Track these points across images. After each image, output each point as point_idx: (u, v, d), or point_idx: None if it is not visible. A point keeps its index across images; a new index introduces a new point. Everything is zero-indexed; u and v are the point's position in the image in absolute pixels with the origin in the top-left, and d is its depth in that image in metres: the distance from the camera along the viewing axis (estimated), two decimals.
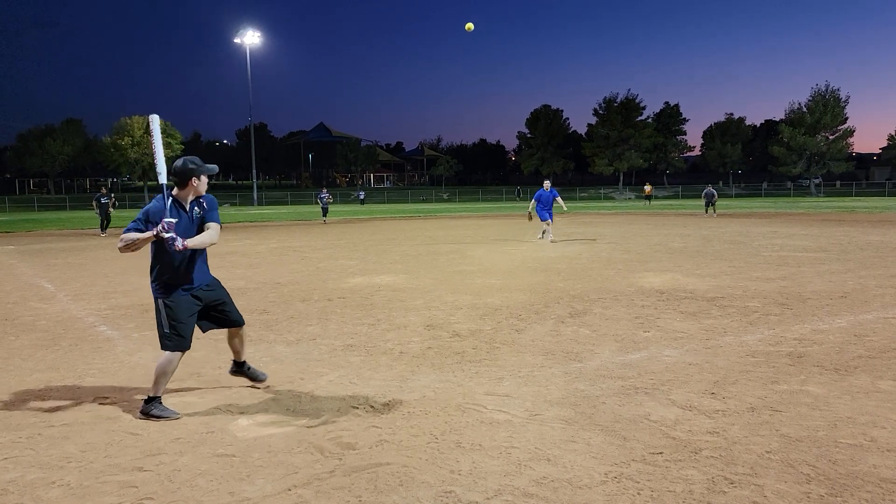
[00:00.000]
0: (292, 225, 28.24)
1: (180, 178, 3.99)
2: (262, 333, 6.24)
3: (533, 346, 5.60)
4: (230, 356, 5.38)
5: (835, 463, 3.14)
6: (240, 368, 4.55)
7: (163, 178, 4.03)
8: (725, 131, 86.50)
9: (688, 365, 4.91)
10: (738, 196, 69.36)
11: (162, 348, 4.05)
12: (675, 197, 69.95)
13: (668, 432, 3.57)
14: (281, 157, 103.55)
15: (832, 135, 70.17)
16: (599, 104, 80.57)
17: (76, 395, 4.43)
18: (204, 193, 4.12)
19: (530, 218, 17.02)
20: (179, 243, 3.78)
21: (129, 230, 3.90)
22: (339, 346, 5.77)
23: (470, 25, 8.66)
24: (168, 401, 4.10)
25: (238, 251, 15.13)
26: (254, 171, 67.55)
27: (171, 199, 4.01)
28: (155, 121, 4.24)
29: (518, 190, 74.85)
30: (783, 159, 71.96)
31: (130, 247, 3.87)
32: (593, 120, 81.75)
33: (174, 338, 4.00)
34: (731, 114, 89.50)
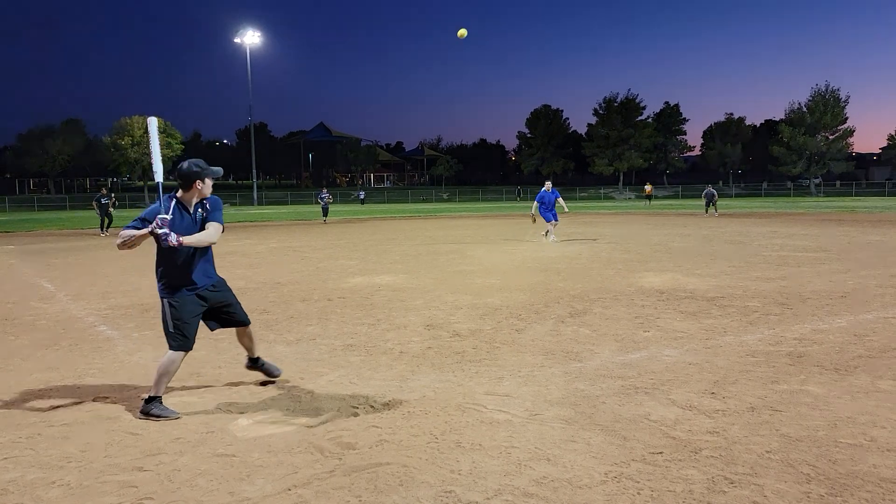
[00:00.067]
0: (292, 225, 28.25)
1: (184, 180, 4.01)
2: (262, 333, 6.24)
3: (533, 345, 5.60)
4: (230, 356, 5.41)
5: (835, 463, 3.14)
6: (255, 364, 4.63)
7: (158, 177, 4.06)
8: (725, 131, 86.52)
9: (688, 365, 4.91)
10: (738, 196, 69.40)
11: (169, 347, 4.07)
12: (675, 197, 69.98)
13: (668, 432, 3.57)
14: (281, 157, 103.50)
15: (832, 135, 70.24)
16: (599, 104, 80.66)
17: (76, 395, 4.43)
18: (209, 196, 4.14)
19: (534, 220, 17.02)
20: (173, 238, 3.79)
21: (127, 228, 3.92)
22: (339, 345, 5.77)
23: (463, 32, 8.19)
24: (168, 401, 4.10)
25: (238, 251, 15.13)
26: (254, 171, 67.59)
27: (174, 200, 4.03)
28: (153, 123, 4.27)
29: (518, 190, 74.87)
30: (783, 159, 72.00)
31: (127, 244, 3.89)
32: (593, 120, 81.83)
33: (178, 337, 4.01)
34: (731, 114, 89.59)
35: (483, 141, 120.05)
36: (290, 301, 8.09)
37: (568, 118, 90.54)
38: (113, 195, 23.66)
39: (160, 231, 3.77)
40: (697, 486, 2.93)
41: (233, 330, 4.54)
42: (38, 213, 46.89)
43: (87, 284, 9.90)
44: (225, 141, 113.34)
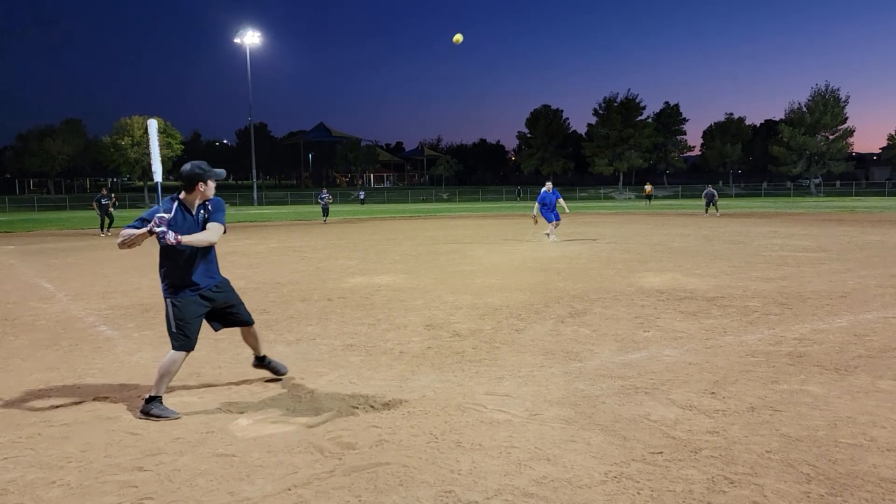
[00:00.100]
0: (292, 225, 28.25)
1: (187, 182, 4.02)
2: (262, 333, 6.19)
3: (533, 345, 5.60)
4: (230, 356, 5.41)
5: (835, 462, 3.14)
6: (261, 362, 4.68)
7: (158, 178, 4.09)
8: (725, 131, 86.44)
9: (688, 365, 4.91)
10: (738, 196, 69.41)
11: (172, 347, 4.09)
12: (675, 197, 69.97)
13: (668, 432, 3.57)
14: (281, 157, 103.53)
15: (832, 135, 70.21)
16: (599, 104, 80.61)
17: (76, 395, 4.43)
18: (212, 197, 4.15)
19: (536, 221, 17.02)
20: (171, 236, 3.80)
21: (128, 227, 3.93)
22: (339, 345, 5.77)
23: (458, 37, 7.97)
24: (168, 401, 4.10)
25: (238, 251, 15.13)
26: (254, 171, 67.57)
27: (176, 201, 4.04)
28: (153, 125, 4.30)
29: (518, 190, 74.86)
30: (783, 159, 71.98)
31: (126, 242, 3.90)
32: (593, 120, 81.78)
33: (180, 337, 4.03)
34: (731, 114, 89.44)
35: (483, 141, 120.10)
36: (290, 301, 8.09)
37: (568, 118, 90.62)
38: (113, 195, 23.67)
39: (158, 229, 3.79)
40: (697, 485, 2.93)
41: (234, 330, 4.57)
42: (38, 213, 46.90)
43: (87, 284, 9.90)
44: (225, 141, 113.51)
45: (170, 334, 4.06)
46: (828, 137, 70.04)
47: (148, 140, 4.19)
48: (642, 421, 3.75)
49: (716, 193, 30.86)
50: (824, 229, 19.16)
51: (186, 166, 4.06)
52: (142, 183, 71.80)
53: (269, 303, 7.96)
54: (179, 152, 67.75)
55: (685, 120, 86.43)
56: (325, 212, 30.13)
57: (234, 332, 4.69)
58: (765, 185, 79.17)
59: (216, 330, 4.41)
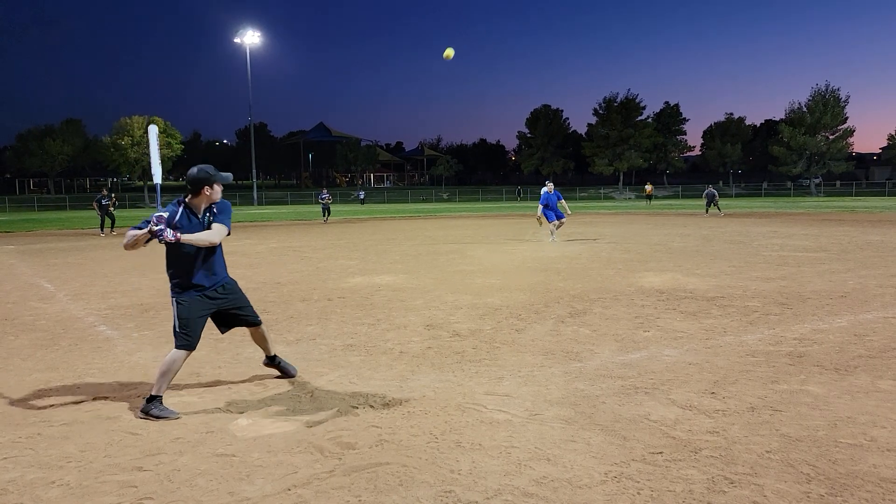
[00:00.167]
0: (292, 225, 28.25)
1: (193, 185, 4.06)
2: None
3: (533, 345, 5.60)
4: (230, 356, 5.41)
5: (835, 462, 3.14)
6: (272, 361, 4.72)
7: (157, 179, 4.12)
8: (725, 131, 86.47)
9: (688, 364, 4.90)
10: (738, 196, 69.39)
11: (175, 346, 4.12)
12: (675, 197, 69.97)
13: (668, 432, 3.57)
14: (281, 157, 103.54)
15: (832, 135, 70.20)
16: (599, 104, 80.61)
17: (76, 395, 4.43)
18: (218, 201, 4.18)
19: (540, 223, 17.01)
20: (169, 234, 3.83)
21: (132, 229, 3.95)
22: (339, 345, 5.77)
23: (449, 52, 7.72)
24: (168, 401, 4.10)
25: (238, 251, 15.13)
26: (254, 170, 67.56)
27: (182, 204, 4.08)
28: (153, 130, 4.33)
29: (518, 190, 74.83)
30: (783, 159, 71.98)
31: (130, 244, 3.92)
32: (593, 120, 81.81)
33: (182, 336, 4.06)
34: (731, 114, 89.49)
35: (483, 141, 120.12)
36: (290, 301, 8.09)
37: (568, 118, 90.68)
38: (113, 195, 23.65)
39: (156, 228, 3.80)
40: (697, 485, 2.93)
41: (234, 330, 4.58)
42: (37, 213, 46.90)
43: (86, 284, 9.90)
44: (225, 141, 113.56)
45: (173, 333, 4.10)
46: (828, 137, 70.04)
47: (148, 142, 4.25)
48: (642, 421, 3.74)
49: (716, 193, 30.88)
50: (824, 229, 19.16)
51: (193, 170, 4.10)
52: (142, 183, 71.79)
53: (269, 303, 7.95)
54: (179, 152, 67.78)
55: (685, 120, 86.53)
56: (327, 211, 30.15)
57: (233, 333, 4.69)
58: (765, 185, 79.16)
59: (223, 332, 4.46)
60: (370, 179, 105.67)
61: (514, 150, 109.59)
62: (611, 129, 78.02)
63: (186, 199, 4.09)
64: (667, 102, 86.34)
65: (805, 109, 70.19)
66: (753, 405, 3.98)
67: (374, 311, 7.31)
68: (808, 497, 2.80)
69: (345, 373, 4.88)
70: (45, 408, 4.18)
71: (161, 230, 3.81)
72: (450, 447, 3.42)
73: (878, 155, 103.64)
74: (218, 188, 4.11)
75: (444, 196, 76.14)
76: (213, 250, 4.15)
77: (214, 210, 4.14)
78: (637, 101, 78.88)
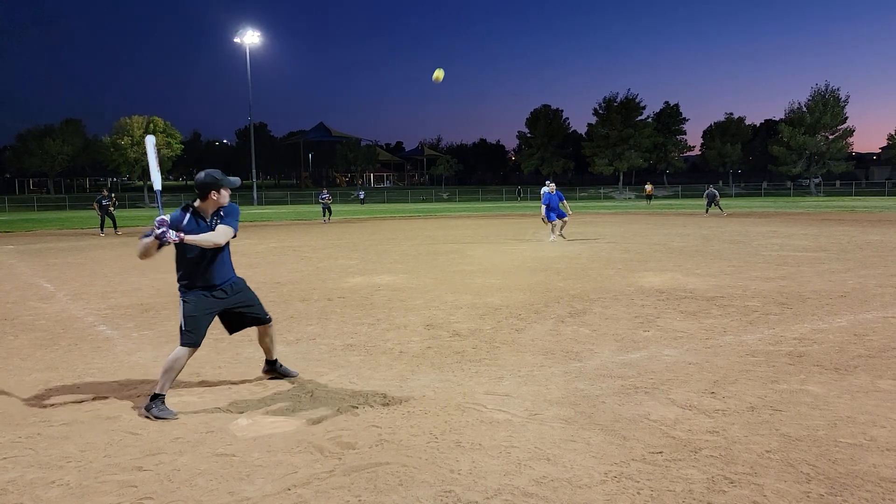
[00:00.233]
0: (292, 225, 28.24)
1: (201, 190, 4.11)
2: None
3: (533, 345, 5.60)
4: (230, 356, 5.41)
5: (835, 462, 3.14)
6: (272, 367, 4.73)
7: (157, 186, 4.17)
8: (725, 131, 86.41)
9: (687, 364, 4.90)
10: (738, 196, 69.37)
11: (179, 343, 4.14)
12: (675, 197, 69.96)
13: (667, 432, 3.57)
14: (281, 156, 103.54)
15: (832, 134, 70.15)
16: (599, 104, 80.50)
17: (75, 395, 4.43)
18: (226, 205, 4.21)
19: (545, 222, 16.99)
20: (171, 235, 3.86)
21: (143, 237, 4.00)
22: (339, 345, 5.77)
23: (438, 74, 7.49)
24: (168, 400, 4.09)
25: (238, 251, 15.12)
26: (254, 170, 67.56)
27: (190, 209, 4.12)
28: (150, 141, 4.36)
29: (518, 190, 74.80)
30: (783, 159, 71.95)
31: (143, 254, 3.98)
32: (593, 120, 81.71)
33: (187, 333, 4.09)
34: (731, 113, 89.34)
35: (483, 141, 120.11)
36: (290, 301, 8.09)
37: (568, 118, 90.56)
38: (113, 195, 23.64)
39: (158, 231, 3.82)
40: (697, 485, 2.93)
41: (229, 332, 4.57)
42: (37, 213, 46.88)
43: (86, 284, 9.90)
44: (225, 141, 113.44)
45: (179, 331, 4.13)
46: (828, 137, 69.98)
47: (147, 149, 4.26)
48: (642, 421, 3.74)
49: (717, 193, 30.87)
50: (824, 229, 19.16)
51: (200, 175, 4.14)
52: (141, 183, 71.78)
53: (268, 302, 7.93)
54: (179, 152, 67.80)
55: (685, 120, 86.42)
56: (328, 211, 30.15)
57: (236, 333, 4.68)
58: (765, 184, 79.14)
59: (231, 332, 4.49)
60: (370, 179, 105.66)
61: (514, 150, 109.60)
62: (611, 129, 77.97)
63: (195, 204, 4.14)
64: (667, 102, 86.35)
65: (805, 109, 70.14)
66: (753, 405, 3.98)
67: (373, 311, 7.31)
68: (808, 497, 2.80)
69: (345, 373, 4.88)
70: (44, 408, 4.18)
71: (164, 232, 3.84)
72: (450, 447, 3.42)
73: (877, 155, 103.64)
74: (225, 192, 4.16)
75: (444, 196, 76.11)
76: (220, 251, 4.18)
77: (222, 213, 4.19)
78: (637, 100, 78.83)
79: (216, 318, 4.30)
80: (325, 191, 31.31)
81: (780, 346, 5.41)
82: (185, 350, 4.08)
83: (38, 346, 5.91)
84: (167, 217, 3.92)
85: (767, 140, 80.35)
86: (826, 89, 69.41)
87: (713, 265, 10.80)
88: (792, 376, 4.55)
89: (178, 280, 4.17)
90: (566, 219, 16.47)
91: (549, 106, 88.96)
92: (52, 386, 4.66)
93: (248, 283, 4.49)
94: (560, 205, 16.15)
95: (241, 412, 4.02)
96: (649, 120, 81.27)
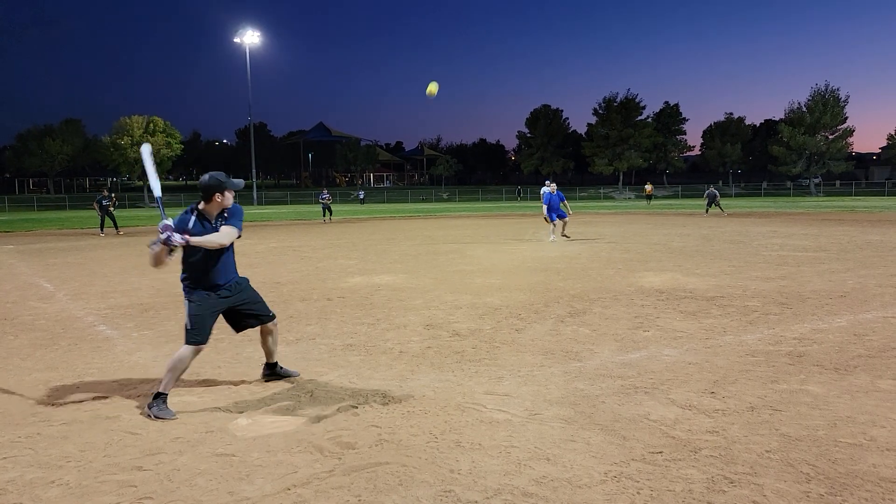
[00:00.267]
0: (292, 224, 28.23)
1: (205, 192, 4.12)
2: None
3: (532, 345, 5.60)
4: (230, 356, 5.40)
5: (834, 462, 3.14)
6: (273, 370, 4.72)
7: (157, 192, 4.19)
8: (725, 131, 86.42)
9: (687, 364, 4.90)
10: (737, 196, 69.37)
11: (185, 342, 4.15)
12: (675, 197, 69.96)
13: (667, 431, 3.57)
14: (280, 156, 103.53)
15: (832, 134, 70.15)
16: (599, 104, 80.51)
17: (75, 395, 4.43)
18: (230, 206, 4.23)
19: (548, 221, 16.97)
20: (177, 237, 3.87)
21: (151, 246, 3.99)
22: (339, 345, 5.77)
23: (432, 89, 7.22)
24: (168, 400, 4.09)
25: (237, 251, 15.01)
26: (253, 170, 67.54)
27: (195, 212, 4.13)
28: (146, 149, 4.37)
29: (518, 190, 74.80)
30: (783, 159, 71.96)
31: (155, 263, 3.98)
32: (593, 120, 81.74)
33: (192, 332, 4.10)
34: (731, 113, 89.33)
35: (483, 141, 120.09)
36: (290, 301, 8.09)
37: (568, 118, 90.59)
38: (113, 195, 23.64)
39: (164, 236, 3.84)
40: (697, 485, 2.93)
41: (235, 330, 4.59)
42: (37, 213, 46.87)
43: (86, 284, 9.90)
44: (224, 140, 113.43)
45: (185, 331, 4.14)
46: (827, 137, 69.98)
47: (147, 141, 4.26)
48: (642, 420, 3.74)
49: (717, 194, 30.87)
50: (824, 229, 19.16)
51: (205, 177, 4.15)
52: (141, 183, 71.75)
53: (268, 302, 7.90)
54: (179, 152, 67.79)
55: (685, 120, 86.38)
56: (328, 211, 30.16)
57: (233, 332, 4.68)
58: (764, 184, 79.15)
59: (237, 331, 4.52)
60: (370, 179, 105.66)
61: (513, 150, 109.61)
62: (610, 128, 77.96)
63: (199, 207, 4.15)
64: (667, 102, 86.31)
65: (805, 109, 70.14)
66: (753, 405, 3.98)
67: (373, 311, 7.31)
68: (808, 496, 2.80)
69: (344, 372, 4.88)
70: (44, 407, 4.18)
71: (168, 237, 3.84)
72: (449, 447, 3.41)
73: (877, 155, 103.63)
74: (229, 195, 4.18)
75: (444, 196, 76.10)
76: (224, 251, 4.22)
77: (226, 214, 4.21)
78: (637, 100, 78.82)
79: (220, 318, 4.31)
80: (325, 191, 31.33)
81: (780, 346, 5.41)
82: (191, 349, 4.09)
83: (37, 346, 5.91)
84: (171, 221, 3.93)
85: (767, 140, 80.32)
86: (826, 89, 69.42)
87: (713, 265, 10.80)
88: (792, 376, 4.55)
89: (183, 280, 4.18)
90: (566, 219, 16.48)
91: (549, 106, 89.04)
92: (52, 386, 4.66)
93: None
94: (561, 205, 16.18)
95: (241, 412, 4.02)
96: (649, 120, 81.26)
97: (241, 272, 4.54)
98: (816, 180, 73.62)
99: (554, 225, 16.41)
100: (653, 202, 50.97)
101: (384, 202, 66.15)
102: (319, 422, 3.81)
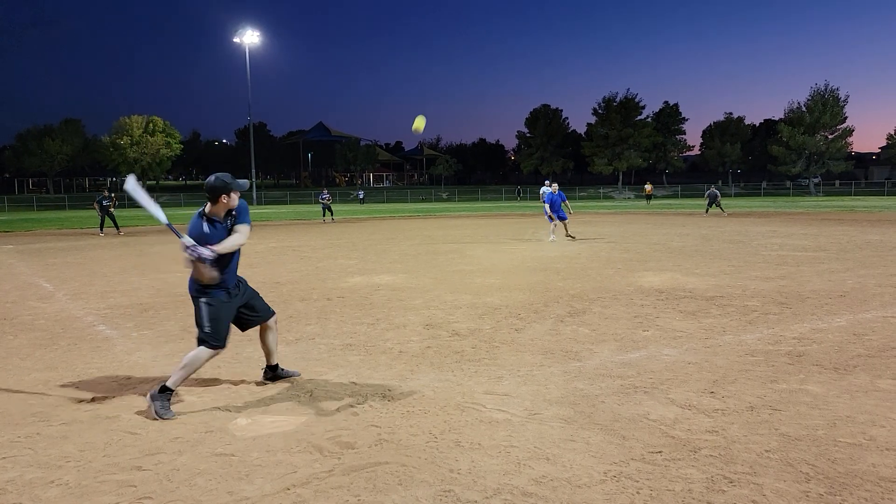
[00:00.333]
0: (291, 224, 28.23)
1: (211, 194, 4.11)
2: None
3: (532, 345, 5.60)
4: (229, 356, 5.39)
5: (834, 462, 3.14)
6: (274, 371, 4.70)
7: (163, 220, 4.16)
8: (725, 131, 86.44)
9: (687, 364, 4.91)
10: (737, 195, 69.36)
11: (199, 345, 4.12)
12: (675, 196, 69.97)
13: (667, 431, 3.57)
14: (280, 156, 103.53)
15: (831, 134, 70.16)
16: (599, 104, 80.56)
17: (75, 395, 4.43)
18: (235, 206, 4.22)
19: (551, 220, 16.92)
20: (206, 252, 3.87)
21: (191, 260, 3.97)
22: (339, 345, 5.77)
23: (419, 125, 7.02)
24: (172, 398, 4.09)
25: None
26: (253, 170, 67.49)
27: (203, 216, 4.12)
28: (131, 181, 4.33)
29: (518, 190, 74.79)
30: (782, 159, 71.97)
31: (208, 280, 3.97)
32: (593, 119, 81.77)
33: (213, 336, 4.09)
34: (731, 113, 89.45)
35: (483, 141, 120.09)
36: (290, 300, 8.09)
37: (567, 118, 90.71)
38: (113, 195, 23.64)
39: (193, 256, 3.85)
40: (697, 485, 2.93)
41: (233, 330, 4.57)
42: (36, 213, 46.85)
43: (85, 284, 9.90)
44: (224, 140, 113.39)
45: (202, 333, 4.10)
46: (827, 137, 69.99)
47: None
48: (641, 420, 3.75)
49: (718, 193, 30.88)
50: (823, 229, 19.17)
51: (211, 178, 4.14)
52: (141, 183, 71.78)
53: (268, 302, 7.93)
54: (179, 151, 67.87)
55: (685, 119, 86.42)
56: (329, 211, 30.16)
57: (232, 333, 4.68)
58: (764, 184, 79.15)
59: (243, 330, 4.51)
60: (370, 179, 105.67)
61: (513, 150, 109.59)
62: (610, 128, 77.98)
63: (206, 210, 4.13)
64: (666, 102, 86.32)
65: (804, 109, 70.15)
66: (752, 404, 3.98)
67: (373, 311, 7.31)
68: (808, 496, 2.80)
69: (344, 372, 4.88)
70: (44, 407, 4.18)
71: (199, 256, 3.85)
72: (449, 446, 3.42)
73: (877, 155, 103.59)
74: (235, 196, 4.16)
75: (444, 196, 76.08)
76: (235, 252, 4.22)
77: (234, 213, 4.20)
78: (636, 100, 78.84)
79: None
80: (325, 191, 31.32)
81: (780, 345, 5.42)
82: (209, 352, 4.09)
83: (37, 346, 5.91)
84: (189, 239, 3.90)
85: (767, 140, 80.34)
86: (825, 89, 69.43)
87: (713, 265, 10.80)
88: (791, 376, 4.55)
89: (196, 283, 4.13)
90: (566, 220, 16.46)
91: (549, 106, 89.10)
92: (52, 386, 4.66)
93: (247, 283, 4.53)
94: (562, 205, 16.16)
95: (241, 412, 4.02)
96: (649, 120, 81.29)
97: (241, 272, 4.54)
98: (816, 180, 73.64)
99: (555, 225, 16.40)
100: (652, 202, 50.96)
101: (384, 202, 66.13)
102: (319, 422, 3.81)
